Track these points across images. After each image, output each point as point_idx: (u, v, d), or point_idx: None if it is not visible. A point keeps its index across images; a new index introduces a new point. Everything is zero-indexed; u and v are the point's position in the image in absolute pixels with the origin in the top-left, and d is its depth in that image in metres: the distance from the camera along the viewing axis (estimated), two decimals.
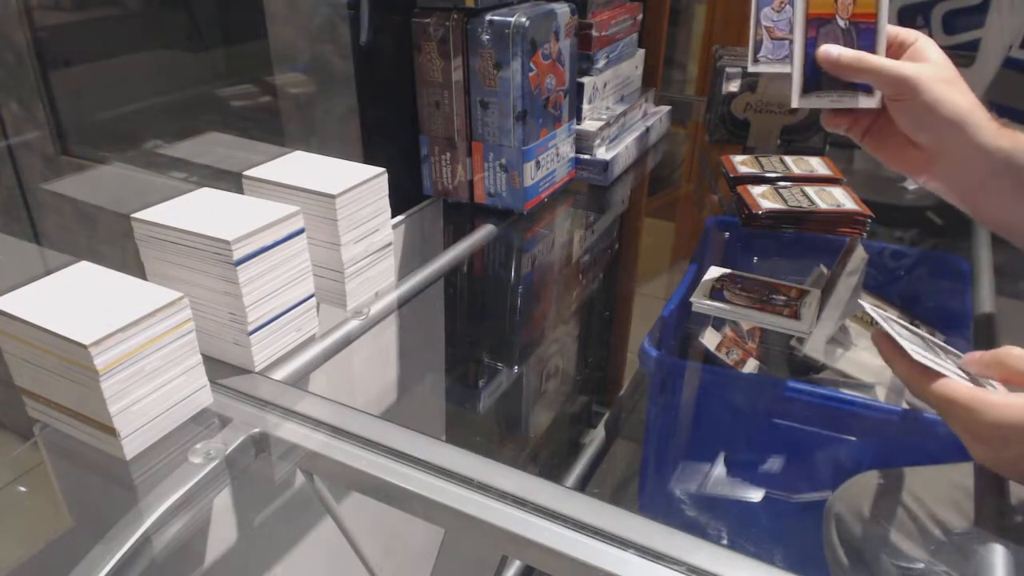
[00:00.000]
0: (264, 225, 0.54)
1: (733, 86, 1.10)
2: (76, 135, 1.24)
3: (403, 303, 0.73)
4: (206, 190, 0.60)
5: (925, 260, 0.95)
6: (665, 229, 1.58)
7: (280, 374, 0.58)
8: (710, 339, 0.88)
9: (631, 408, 1.05)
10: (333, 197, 0.61)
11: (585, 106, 1.02)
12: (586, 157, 1.02)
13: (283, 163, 0.67)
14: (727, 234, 0.98)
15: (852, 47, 0.58)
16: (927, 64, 0.56)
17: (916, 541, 0.65)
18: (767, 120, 1.11)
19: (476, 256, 0.88)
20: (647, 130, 1.15)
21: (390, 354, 0.83)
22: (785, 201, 0.87)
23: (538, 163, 0.91)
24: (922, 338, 0.53)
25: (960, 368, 0.50)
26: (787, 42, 0.60)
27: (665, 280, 1.42)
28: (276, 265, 0.56)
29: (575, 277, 1.10)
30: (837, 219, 0.85)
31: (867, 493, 0.71)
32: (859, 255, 0.82)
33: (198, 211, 0.56)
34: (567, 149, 0.99)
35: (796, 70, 0.59)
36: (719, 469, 0.86)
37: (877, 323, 0.53)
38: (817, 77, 0.59)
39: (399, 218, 0.87)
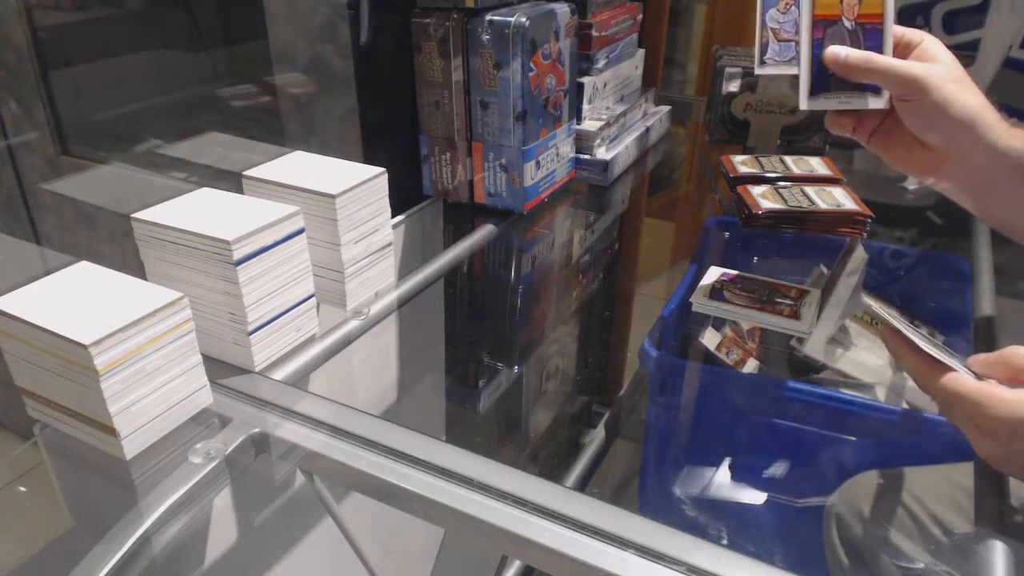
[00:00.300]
0: (264, 225, 0.54)
1: (733, 86, 1.10)
2: (76, 135, 1.24)
3: (403, 303, 0.73)
4: (206, 190, 0.60)
5: (925, 260, 0.95)
6: (665, 229, 1.57)
7: (280, 374, 0.58)
8: (710, 339, 0.88)
9: (631, 408, 1.05)
10: (333, 197, 0.61)
11: (585, 106, 1.02)
12: (586, 157, 1.02)
13: (283, 163, 0.67)
14: (727, 234, 0.98)
15: (859, 48, 0.58)
16: (936, 64, 0.56)
17: (916, 541, 0.65)
18: (767, 120, 1.11)
19: (476, 256, 0.88)
20: (647, 130, 1.15)
21: (390, 354, 0.83)
22: (785, 201, 0.87)
23: (538, 163, 0.91)
24: (926, 337, 0.53)
25: (965, 367, 0.51)
26: (793, 44, 0.60)
27: (665, 280, 1.42)
28: (276, 265, 0.56)
29: (575, 277, 1.10)
30: (837, 219, 0.85)
31: (867, 493, 0.71)
32: (859, 255, 0.82)
33: (198, 211, 0.56)
34: (567, 149, 0.99)
35: (803, 72, 0.59)
36: (719, 469, 0.85)
37: (884, 318, 0.53)
38: (824, 78, 0.58)
39: (399, 218, 0.87)
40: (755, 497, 0.82)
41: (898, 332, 0.52)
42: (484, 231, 0.89)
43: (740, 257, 0.98)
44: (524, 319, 1.03)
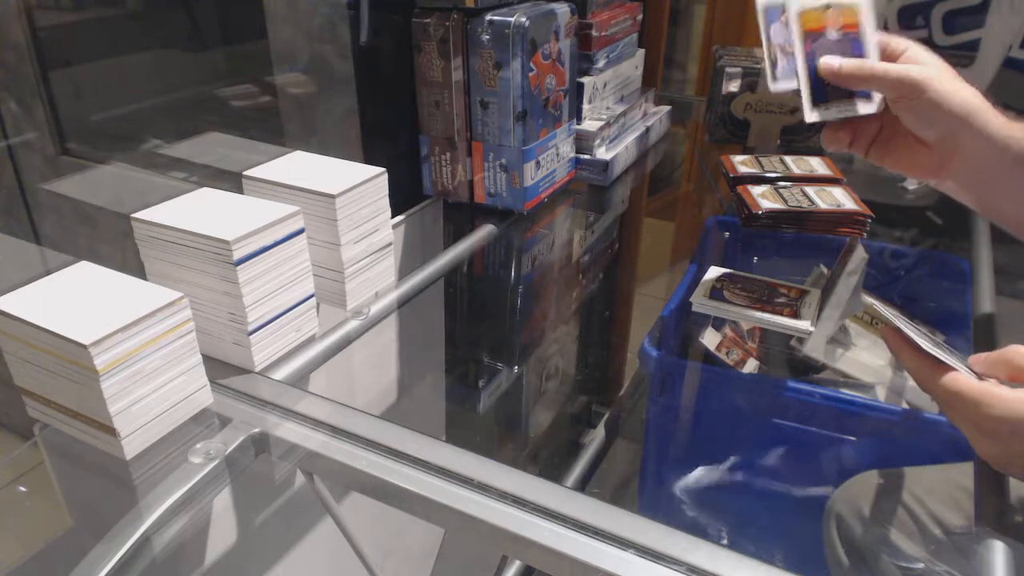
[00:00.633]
0: (264, 225, 0.54)
1: (733, 86, 1.10)
2: (76, 135, 1.24)
3: (403, 303, 0.73)
4: (206, 190, 0.60)
5: (925, 260, 0.95)
6: (665, 229, 1.58)
7: (280, 374, 0.58)
8: (710, 339, 0.88)
9: (631, 408, 1.05)
10: (333, 197, 0.61)
11: (585, 106, 1.02)
12: (586, 157, 1.02)
13: (283, 163, 0.67)
14: (727, 234, 0.98)
15: (848, 56, 0.58)
16: (926, 65, 0.57)
17: (916, 541, 0.65)
18: (767, 120, 1.11)
19: (476, 256, 0.88)
20: (647, 130, 1.15)
21: (390, 354, 0.83)
22: (785, 201, 0.87)
23: (538, 163, 0.91)
24: (927, 336, 0.53)
25: (966, 367, 0.51)
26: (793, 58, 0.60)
27: (665, 280, 1.42)
28: (276, 265, 0.56)
29: (575, 277, 1.10)
30: (837, 219, 0.85)
31: (867, 493, 0.71)
32: (859, 255, 0.82)
33: (198, 211, 0.56)
34: (567, 149, 0.99)
35: (803, 86, 0.59)
36: (719, 469, 0.85)
37: (886, 317, 0.53)
38: (823, 89, 0.59)
39: (399, 218, 0.87)
40: (755, 497, 0.82)
41: (899, 331, 0.52)
42: (484, 231, 0.89)
43: (740, 257, 0.98)
44: (524, 319, 1.03)
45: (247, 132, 1.05)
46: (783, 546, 0.81)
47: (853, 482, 0.73)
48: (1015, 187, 0.57)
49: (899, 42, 0.59)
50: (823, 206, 0.85)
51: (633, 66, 1.16)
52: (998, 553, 0.45)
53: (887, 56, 0.59)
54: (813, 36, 0.59)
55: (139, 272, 0.57)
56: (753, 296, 0.70)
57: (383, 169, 0.66)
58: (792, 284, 0.73)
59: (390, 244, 0.69)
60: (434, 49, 0.84)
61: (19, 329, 0.48)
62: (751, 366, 0.89)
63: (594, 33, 1.00)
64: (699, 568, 0.40)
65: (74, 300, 0.48)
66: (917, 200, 1.08)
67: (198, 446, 0.50)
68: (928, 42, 1.27)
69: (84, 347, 0.44)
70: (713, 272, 0.74)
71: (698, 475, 0.86)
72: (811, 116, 0.59)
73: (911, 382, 0.55)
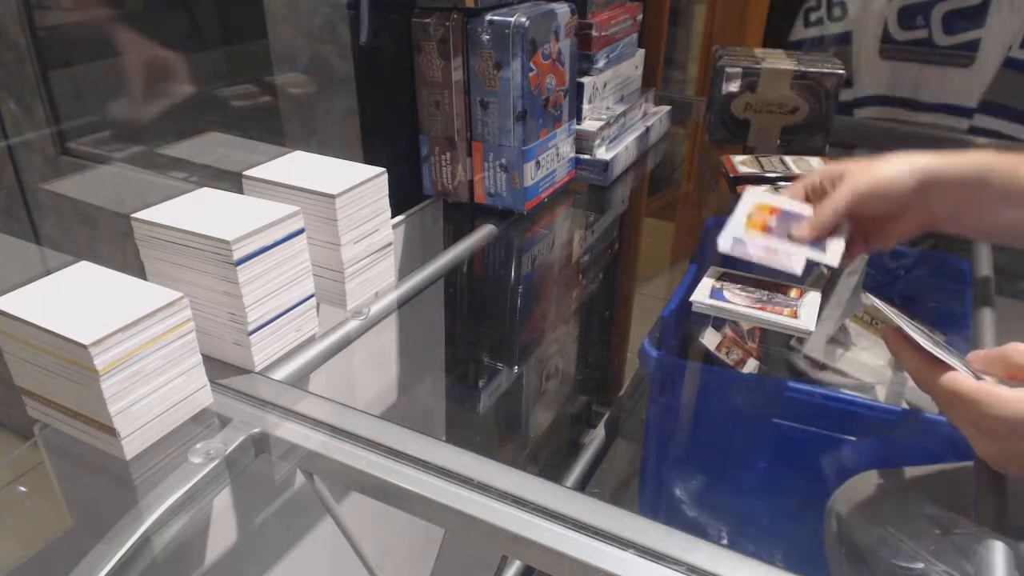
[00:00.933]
0: (264, 225, 0.54)
1: (733, 86, 1.10)
2: (76, 135, 1.24)
3: (403, 303, 0.73)
4: (206, 190, 0.60)
5: (925, 260, 0.95)
6: (665, 229, 1.58)
7: (280, 374, 0.58)
8: (710, 339, 0.88)
9: (631, 408, 1.05)
10: (333, 197, 0.61)
11: (585, 106, 1.02)
12: (586, 157, 1.02)
13: (283, 163, 0.67)
14: None
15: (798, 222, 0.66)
16: (851, 169, 0.64)
17: (916, 541, 0.65)
18: (767, 120, 1.11)
19: (476, 256, 0.88)
20: (647, 130, 1.15)
21: (390, 354, 0.83)
22: None
23: (538, 163, 0.91)
24: (928, 336, 0.53)
25: (965, 367, 0.51)
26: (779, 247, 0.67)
27: (665, 280, 1.42)
28: (276, 265, 0.56)
29: (575, 277, 1.10)
30: None
31: (867, 493, 0.71)
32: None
33: (198, 211, 0.56)
34: (567, 149, 0.99)
35: (794, 262, 0.65)
36: (719, 469, 0.85)
37: (886, 317, 0.53)
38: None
39: (399, 218, 0.87)
40: (755, 497, 0.82)
41: (898, 330, 0.52)
42: (484, 231, 0.89)
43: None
44: (524, 319, 1.03)
45: (247, 132, 1.05)
46: (783, 546, 0.81)
47: (853, 482, 0.73)
48: (983, 210, 0.61)
49: (831, 172, 0.66)
50: None
51: (633, 66, 1.16)
52: (998, 553, 0.45)
53: (826, 188, 0.66)
54: (768, 229, 0.67)
55: (139, 272, 0.57)
56: (753, 296, 0.70)
57: (383, 169, 0.66)
58: (792, 284, 0.73)
59: (390, 244, 0.69)
60: (434, 49, 0.84)
61: (19, 329, 0.48)
62: (751, 366, 0.89)
63: (594, 33, 1.00)
64: (699, 568, 0.40)
65: (74, 300, 0.48)
66: None
67: (198, 446, 0.50)
68: (928, 42, 1.27)
69: (84, 347, 0.44)
70: (713, 272, 0.74)
71: (698, 475, 0.86)
72: (801, 274, 0.66)
73: (911, 382, 0.55)
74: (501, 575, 0.78)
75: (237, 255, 0.53)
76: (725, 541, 0.85)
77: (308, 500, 0.61)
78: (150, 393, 0.49)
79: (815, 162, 0.97)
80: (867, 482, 0.72)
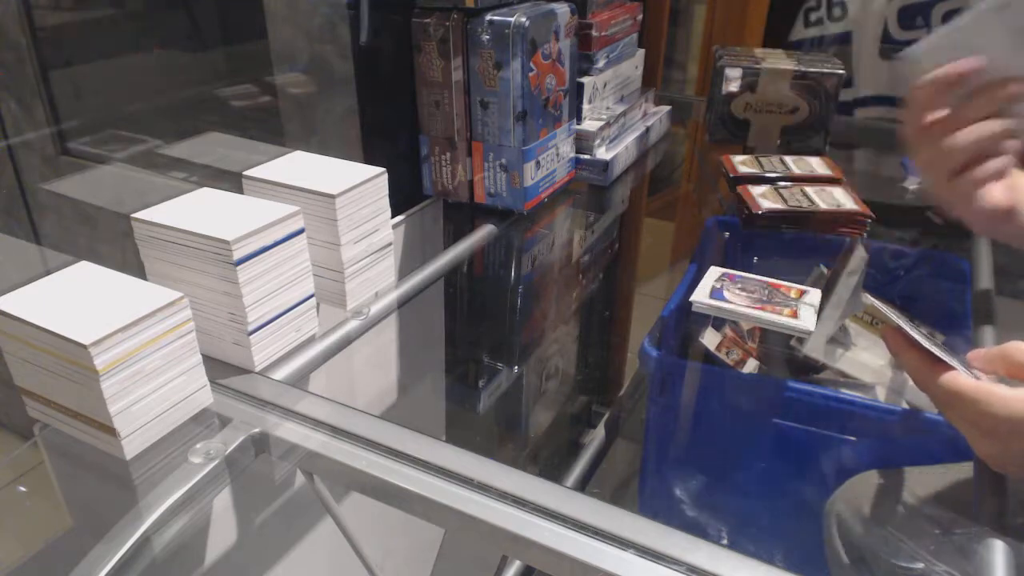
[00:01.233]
0: (264, 225, 0.54)
1: (733, 86, 1.10)
2: (76, 135, 1.24)
3: (403, 303, 0.73)
4: (206, 190, 0.60)
5: (925, 260, 0.95)
6: (665, 229, 1.58)
7: (280, 374, 0.58)
8: (710, 339, 0.88)
9: (631, 408, 1.05)
10: (333, 197, 0.61)
11: (585, 106, 1.02)
12: (586, 157, 1.02)
13: (283, 163, 0.67)
14: (727, 234, 0.98)
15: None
16: None
17: (916, 541, 0.65)
18: (767, 120, 1.11)
19: (476, 256, 0.88)
20: (647, 130, 1.15)
21: (390, 354, 0.83)
22: (785, 201, 0.87)
23: (538, 163, 0.91)
24: (927, 336, 0.53)
25: (965, 367, 0.51)
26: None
27: (665, 280, 1.42)
28: (276, 265, 0.56)
29: (575, 277, 1.10)
30: (837, 219, 0.85)
31: (867, 493, 0.71)
32: (859, 255, 0.82)
33: (198, 211, 0.56)
34: (567, 149, 0.99)
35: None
36: (719, 469, 0.85)
37: (886, 315, 0.53)
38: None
39: (399, 218, 0.87)
40: (755, 497, 0.82)
41: (898, 330, 0.52)
42: (484, 231, 0.89)
43: (740, 257, 0.98)
44: (524, 319, 1.03)
45: (247, 132, 1.05)
46: (783, 546, 0.81)
47: (853, 482, 0.73)
48: None
49: None
50: (823, 206, 0.85)
51: (633, 66, 1.16)
52: (998, 553, 0.45)
53: None
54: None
55: (139, 272, 0.57)
56: (753, 296, 0.70)
57: (383, 169, 0.66)
58: (792, 284, 0.73)
59: (390, 244, 0.69)
60: (434, 49, 0.84)
61: (19, 329, 0.48)
62: (751, 366, 0.89)
63: (594, 33, 1.00)
64: (699, 568, 0.40)
65: (74, 300, 0.48)
66: (917, 200, 1.07)
67: (198, 446, 0.50)
68: None
69: (84, 347, 0.44)
70: (713, 272, 0.74)
71: (698, 475, 0.86)
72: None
73: (911, 382, 0.55)
74: (501, 575, 0.78)
75: (237, 255, 0.53)
76: (725, 541, 0.85)
77: (308, 500, 0.61)
78: (150, 393, 0.49)
79: (815, 162, 0.97)
80: (867, 482, 0.72)
